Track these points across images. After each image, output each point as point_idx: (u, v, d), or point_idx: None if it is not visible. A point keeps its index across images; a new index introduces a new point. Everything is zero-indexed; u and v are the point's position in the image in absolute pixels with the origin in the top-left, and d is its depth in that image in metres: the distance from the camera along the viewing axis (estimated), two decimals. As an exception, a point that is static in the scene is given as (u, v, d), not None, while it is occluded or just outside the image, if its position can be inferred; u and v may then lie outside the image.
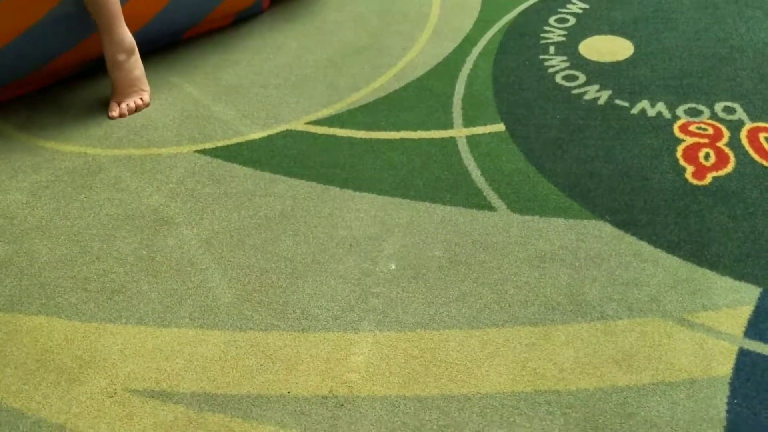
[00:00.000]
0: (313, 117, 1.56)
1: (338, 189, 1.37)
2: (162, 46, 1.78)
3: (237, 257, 1.24)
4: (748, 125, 1.40)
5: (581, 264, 1.17)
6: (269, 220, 1.31)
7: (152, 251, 1.26)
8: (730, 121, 1.43)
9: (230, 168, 1.43)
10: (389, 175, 1.39)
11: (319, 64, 1.73)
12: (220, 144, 1.50)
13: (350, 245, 1.25)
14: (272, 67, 1.72)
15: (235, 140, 1.51)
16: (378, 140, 1.49)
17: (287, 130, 1.53)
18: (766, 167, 1.31)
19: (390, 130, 1.51)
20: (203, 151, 1.48)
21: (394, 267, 1.20)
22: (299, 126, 1.54)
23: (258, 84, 1.67)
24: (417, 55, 1.73)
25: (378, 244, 1.24)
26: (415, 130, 1.50)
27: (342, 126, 1.53)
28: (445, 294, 1.14)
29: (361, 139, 1.49)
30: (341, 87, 1.65)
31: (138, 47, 1.60)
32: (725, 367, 1.00)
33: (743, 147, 1.36)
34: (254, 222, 1.30)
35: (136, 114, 1.60)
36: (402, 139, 1.48)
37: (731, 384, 0.97)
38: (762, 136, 1.38)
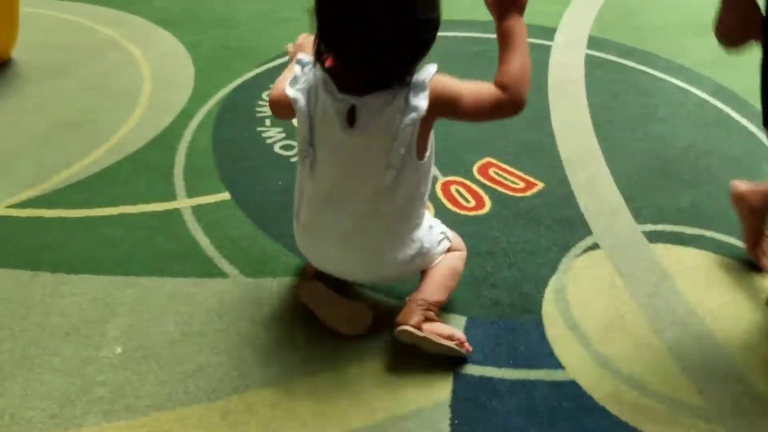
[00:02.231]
0: (16, 200, 1.41)
1: (49, 274, 1.24)
2: None
3: None
4: (441, 179, 1.60)
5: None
6: (-38, 318, 1.12)
7: None
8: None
9: None
10: (109, 253, 1.30)
11: (23, 141, 1.57)
12: None
13: (66, 333, 1.13)
14: (-41, 147, 1.52)
15: None
16: (93, 218, 1.39)
17: (-18, 215, 1.35)
18: (458, 214, 1.51)
19: (107, 206, 1.42)
20: None
21: (120, 350, 1.11)
22: (-2, 210, 1.37)
23: (-59, 167, 1.45)
24: (132, 129, 1.67)
25: (100, 327, 1.15)
26: (134, 204, 1.43)
27: (50, 206, 1.40)
28: (180, 369, 1.09)
29: (73, 218, 1.38)
30: (49, 164, 1.51)
31: None
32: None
33: (438, 198, 1.54)
34: (-58, 323, 1.11)
35: None
36: (121, 215, 1.40)
37: None
38: (453, 187, 1.58)
